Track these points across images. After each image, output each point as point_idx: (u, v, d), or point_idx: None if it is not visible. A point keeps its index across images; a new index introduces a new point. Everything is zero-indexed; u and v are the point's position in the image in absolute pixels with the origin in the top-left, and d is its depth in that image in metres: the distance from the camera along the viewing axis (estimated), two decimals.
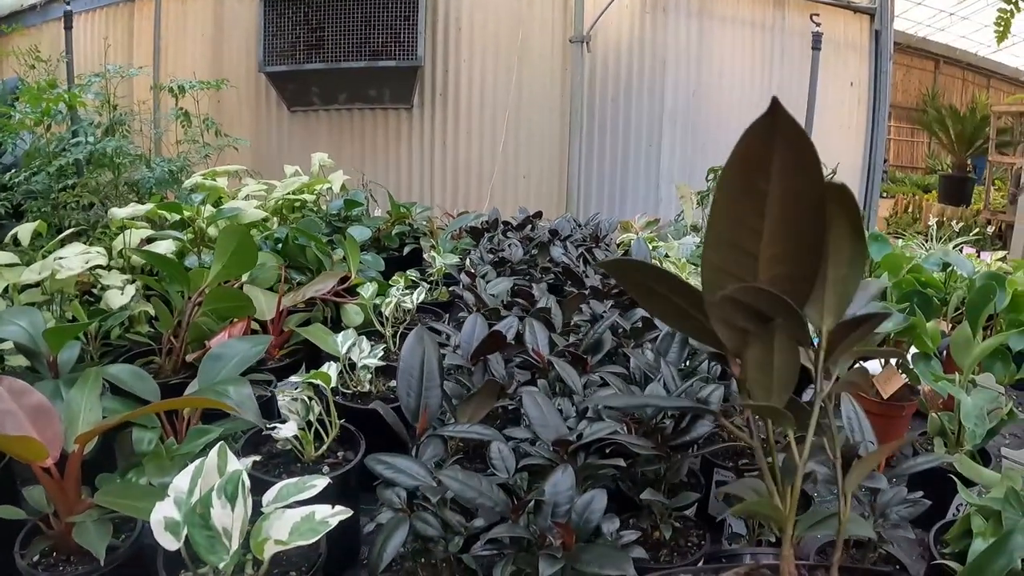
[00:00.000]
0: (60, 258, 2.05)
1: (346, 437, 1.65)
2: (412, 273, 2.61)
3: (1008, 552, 1.08)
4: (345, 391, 1.92)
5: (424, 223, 3.64)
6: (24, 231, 2.29)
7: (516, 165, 5.62)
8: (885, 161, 10.56)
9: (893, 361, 2.17)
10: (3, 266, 2.08)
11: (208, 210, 2.64)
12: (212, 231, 2.56)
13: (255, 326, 2.13)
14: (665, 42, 5.58)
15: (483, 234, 3.13)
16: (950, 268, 2.70)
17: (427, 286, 2.57)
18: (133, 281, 2.18)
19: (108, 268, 2.23)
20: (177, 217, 2.62)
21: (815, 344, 0.88)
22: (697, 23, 5.63)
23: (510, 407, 1.61)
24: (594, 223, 3.34)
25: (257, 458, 1.36)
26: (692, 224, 4.46)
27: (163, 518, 1.01)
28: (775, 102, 0.71)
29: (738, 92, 5.76)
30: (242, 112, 5.75)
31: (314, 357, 2.15)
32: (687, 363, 1.72)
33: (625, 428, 1.39)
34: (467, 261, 2.79)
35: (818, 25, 5.44)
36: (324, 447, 1.58)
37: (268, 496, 1.10)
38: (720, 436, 1.73)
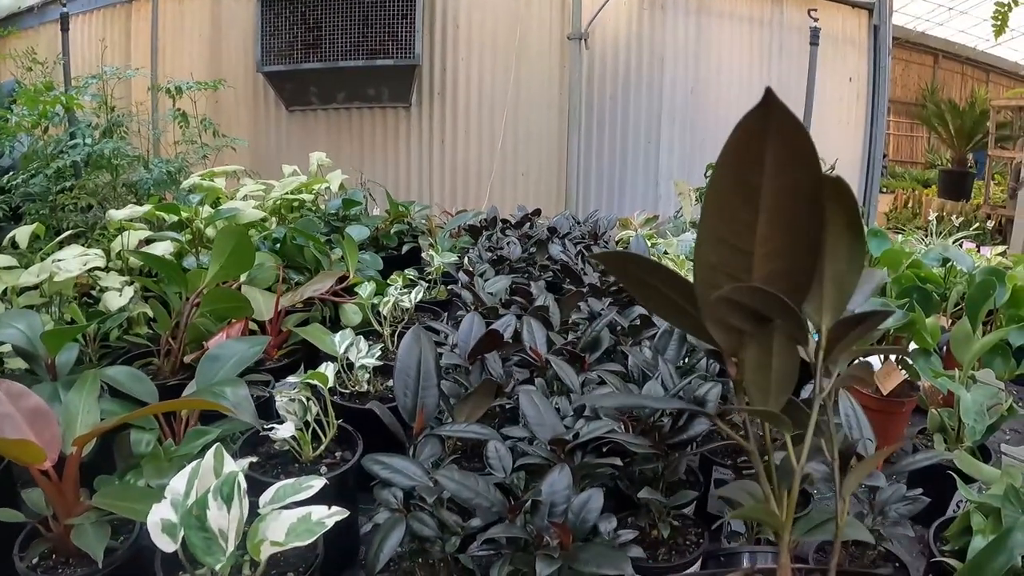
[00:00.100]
0: (58, 260, 2.04)
1: (344, 437, 1.65)
2: (410, 272, 2.60)
3: (1008, 549, 1.07)
4: (343, 391, 1.92)
5: (423, 222, 3.64)
6: (22, 233, 2.29)
7: (515, 163, 5.61)
8: (884, 156, 10.55)
9: (893, 357, 2.16)
10: (1, 269, 2.08)
11: (206, 211, 2.64)
12: (210, 232, 2.56)
13: (253, 326, 2.13)
14: (663, 39, 5.57)
15: (481, 232, 3.13)
16: (950, 263, 2.69)
17: (425, 285, 2.57)
18: (131, 283, 2.18)
19: (106, 270, 2.23)
20: (175, 218, 2.62)
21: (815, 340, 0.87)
22: (695, 19, 5.62)
23: (508, 406, 1.61)
24: (593, 220, 3.34)
25: (254, 459, 1.36)
26: (691, 221, 4.45)
27: (160, 520, 1.01)
28: (768, 92, 0.69)
29: (736, 88, 5.75)
30: (240, 112, 5.74)
31: (313, 357, 2.15)
32: (685, 360, 1.71)
33: (622, 426, 1.39)
34: (465, 259, 2.79)
35: (816, 20, 5.43)
36: (322, 447, 1.58)
37: (265, 497, 1.10)
38: (719, 434, 1.72)
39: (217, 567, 0.98)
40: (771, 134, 0.70)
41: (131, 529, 1.32)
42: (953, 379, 1.89)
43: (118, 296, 2.08)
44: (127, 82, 5.00)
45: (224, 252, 1.96)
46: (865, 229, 2.68)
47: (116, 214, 2.45)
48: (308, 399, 1.55)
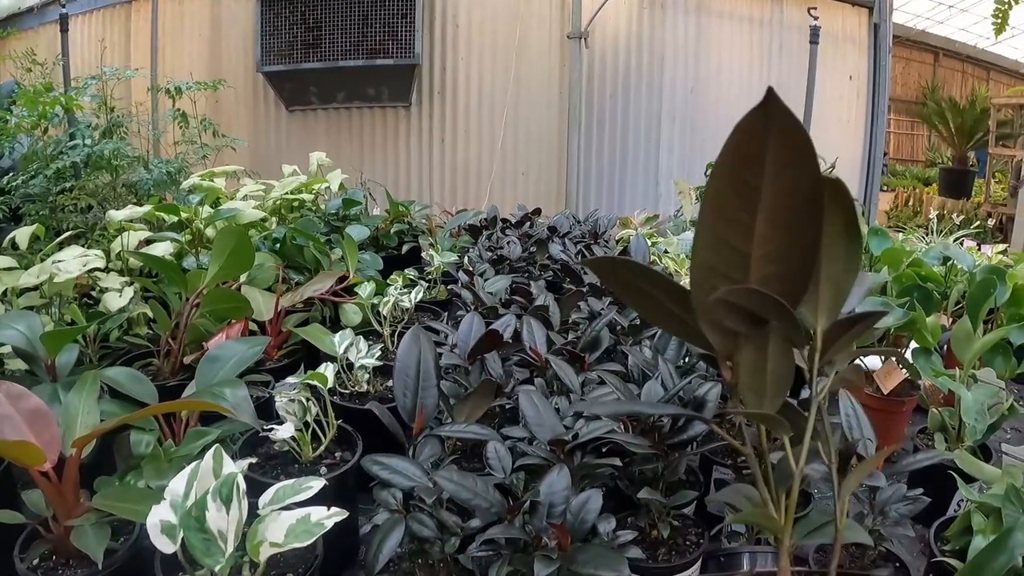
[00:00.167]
0: (58, 261, 2.04)
1: (344, 437, 1.65)
2: (410, 272, 2.60)
3: (1008, 550, 1.07)
4: (343, 391, 1.92)
5: (423, 221, 3.64)
6: (22, 234, 2.29)
7: (515, 162, 5.61)
8: (885, 154, 10.54)
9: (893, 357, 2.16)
10: (1, 270, 2.08)
11: (206, 211, 2.64)
12: (210, 232, 2.56)
13: (253, 327, 2.13)
14: (663, 38, 5.57)
15: (482, 232, 3.13)
16: (950, 262, 2.69)
17: (425, 285, 2.57)
18: (131, 283, 2.18)
19: (106, 270, 2.23)
20: (175, 218, 2.62)
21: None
22: (695, 19, 5.61)
23: (508, 406, 1.61)
24: (593, 220, 3.33)
25: (253, 460, 1.36)
26: (691, 220, 4.45)
27: (159, 521, 1.01)
28: (770, 92, 0.69)
29: (736, 88, 5.74)
30: (240, 112, 5.74)
31: (313, 357, 2.15)
32: (685, 360, 1.71)
33: (622, 426, 1.39)
34: (465, 259, 2.79)
35: (816, 19, 5.43)
36: (322, 448, 1.58)
37: (264, 498, 1.10)
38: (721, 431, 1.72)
39: (216, 568, 0.98)
40: (772, 134, 0.70)
41: (131, 530, 1.32)
42: (954, 378, 1.89)
43: (118, 297, 2.08)
44: (127, 82, 5.00)
45: (224, 252, 1.95)
46: (865, 228, 2.67)
47: (116, 215, 2.45)
48: (308, 400, 1.55)
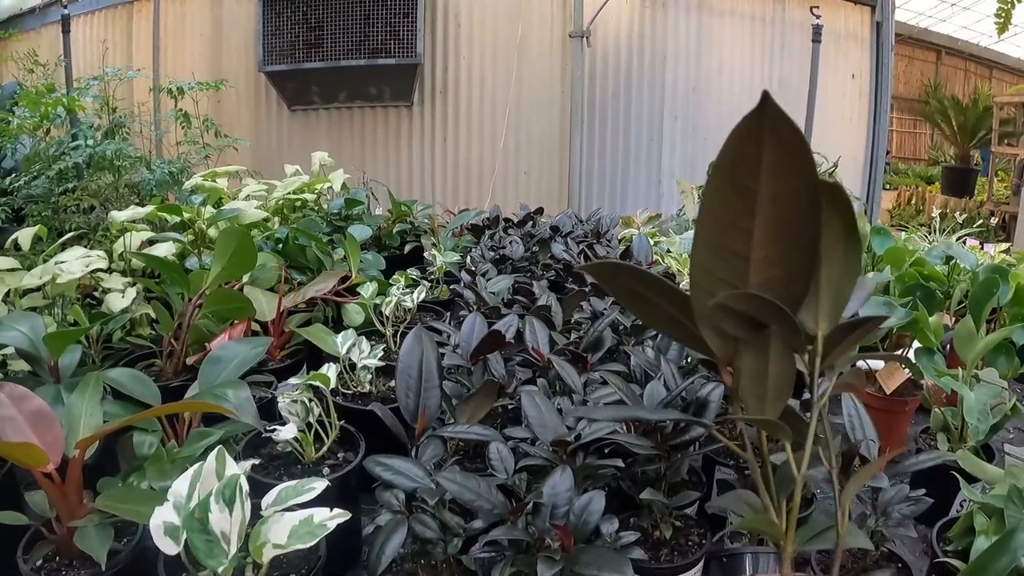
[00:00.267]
0: (61, 262, 2.05)
1: (346, 438, 1.65)
2: (413, 272, 2.60)
3: (1011, 551, 1.07)
4: (345, 391, 1.92)
5: (425, 221, 3.64)
6: (25, 235, 2.30)
7: (517, 161, 5.61)
8: (888, 153, 10.53)
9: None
10: (4, 271, 2.08)
11: (208, 211, 2.64)
12: (213, 232, 2.56)
13: (256, 327, 2.13)
14: (665, 37, 5.57)
15: (484, 231, 3.13)
16: (953, 261, 2.68)
17: (428, 285, 2.57)
18: (134, 284, 2.18)
19: (109, 271, 2.23)
20: (177, 219, 2.62)
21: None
22: (696, 17, 5.61)
23: (510, 406, 1.61)
24: (595, 219, 3.33)
25: (256, 461, 1.36)
26: (693, 219, 4.44)
27: (162, 523, 1.01)
28: (765, 96, 0.68)
29: (738, 86, 5.74)
30: (242, 112, 5.74)
31: (315, 357, 2.15)
32: (688, 360, 1.71)
33: (624, 427, 1.39)
34: (468, 259, 2.79)
35: (818, 18, 5.42)
36: (324, 448, 1.58)
37: (267, 499, 1.10)
38: (722, 433, 1.72)
39: (219, 570, 0.98)
40: (767, 138, 0.69)
41: (134, 531, 1.32)
42: (956, 378, 1.89)
43: (121, 297, 2.08)
44: (129, 83, 5.01)
45: (226, 253, 1.96)
46: (868, 227, 2.66)
47: (118, 215, 2.45)
48: (310, 400, 1.55)
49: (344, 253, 2.55)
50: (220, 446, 1.12)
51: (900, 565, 1.35)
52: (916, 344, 2.11)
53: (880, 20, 6.16)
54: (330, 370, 1.59)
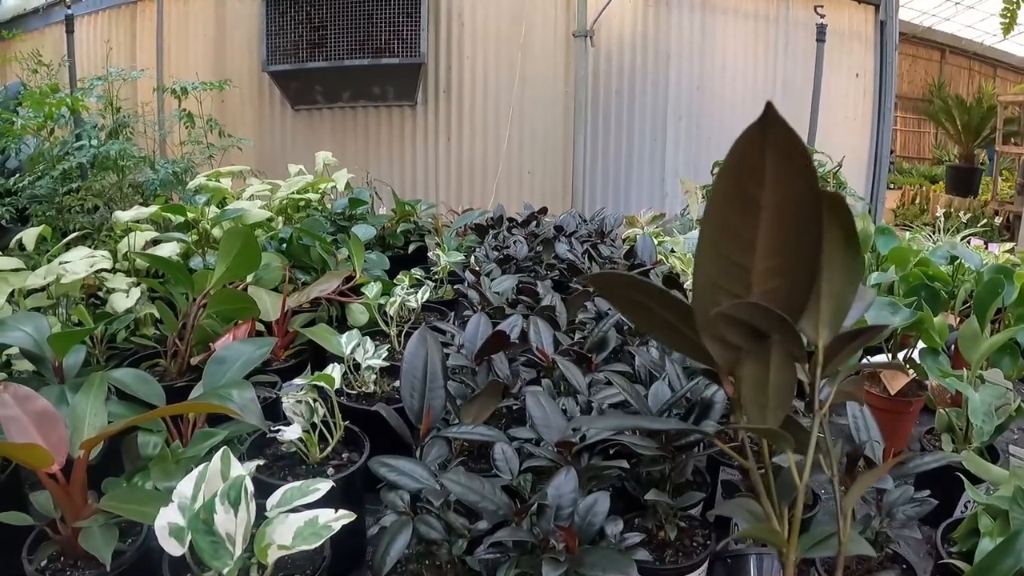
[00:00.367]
0: (65, 262, 2.05)
1: (351, 438, 1.65)
2: (417, 271, 2.60)
3: (1016, 552, 1.07)
4: (350, 392, 1.92)
5: (429, 221, 3.64)
6: (29, 235, 2.30)
7: (520, 161, 5.61)
8: (892, 152, 10.51)
9: (900, 355, 2.15)
10: (8, 271, 2.08)
11: (212, 211, 2.64)
12: (216, 232, 2.56)
13: (260, 327, 2.13)
14: (668, 36, 5.56)
15: (488, 231, 3.13)
16: (958, 261, 2.67)
17: (432, 284, 2.57)
18: (138, 284, 2.18)
19: (113, 271, 2.24)
20: (181, 219, 2.62)
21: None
22: (700, 16, 5.60)
23: (515, 407, 1.61)
24: (599, 218, 3.33)
25: (261, 462, 1.36)
26: (697, 218, 4.44)
27: (167, 524, 1.01)
28: (768, 107, 0.69)
29: (742, 85, 5.73)
30: (245, 112, 5.75)
31: (320, 357, 2.15)
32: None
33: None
34: (472, 258, 2.79)
35: (822, 16, 5.41)
36: (329, 449, 1.58)
37: (272, 500, 1.10)
38: (727, 434, 1.72)
39: (224, 571, 0.98)
40: (769, 150, 0.70)
41: (139, 531, 1.32)
42: (961, 379, 1.88)
43: (125, 297, 2.08)
44: (133, 83, 5.02)
45: (230, 253, 1.96)
46: (872, 227, 2.65)
47: (122, 215, 2.45)
48: (315, 401, 1.55)
49: (348, 253, 2.55)
50: (225, 447, 1.12)
51: (904, 566, 1.34)
52: (920, 344, 2.10)
53: (884, 19, 6.15)
54: (334, 370, 1.59)
